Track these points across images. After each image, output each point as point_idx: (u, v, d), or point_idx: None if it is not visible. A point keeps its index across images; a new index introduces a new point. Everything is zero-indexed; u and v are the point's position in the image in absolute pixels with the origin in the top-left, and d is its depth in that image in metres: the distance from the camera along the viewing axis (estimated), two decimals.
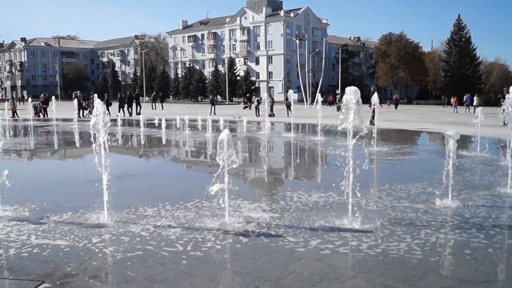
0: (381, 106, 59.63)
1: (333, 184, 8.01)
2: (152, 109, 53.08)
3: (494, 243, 6.21)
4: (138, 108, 41.56)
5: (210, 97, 51.73)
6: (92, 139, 7.27)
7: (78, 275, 5.24)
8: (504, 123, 26.40)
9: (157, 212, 7.80)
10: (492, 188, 9.71)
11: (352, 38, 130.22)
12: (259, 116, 38.90)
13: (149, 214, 7.72)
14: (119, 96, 42.32)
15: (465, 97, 53.29)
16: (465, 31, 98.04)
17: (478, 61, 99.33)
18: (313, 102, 63.80)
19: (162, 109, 53.76)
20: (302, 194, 9.14)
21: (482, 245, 6.11)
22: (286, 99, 41.37)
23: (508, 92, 10.54)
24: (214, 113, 41.63)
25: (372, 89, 29.95)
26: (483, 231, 6.72)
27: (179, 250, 6.00)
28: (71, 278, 5.18)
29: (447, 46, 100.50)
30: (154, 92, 60.67)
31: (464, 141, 16.65)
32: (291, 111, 31.18)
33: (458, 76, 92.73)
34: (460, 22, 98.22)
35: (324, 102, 62.43)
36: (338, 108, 50.57)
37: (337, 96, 56.16)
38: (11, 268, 5.57)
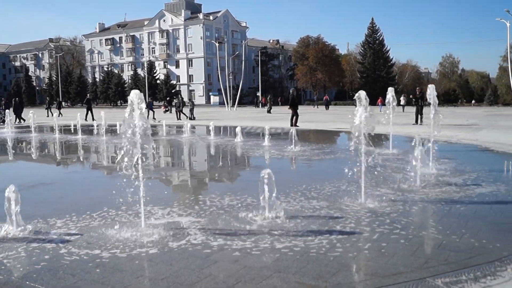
0: (316, 108, 61.34)
1: (250, 186, 8.05)
2: (47, 116, 46.98)
3: (403, 236, 6.47)
4: (90, 114, 38.98)
5: (148, 100, 45.21)
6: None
7: None
8: (417, 121, 27.93)
9: (68, 221, 7.50)
10: (401, 184, 10.13)
11: (271, 41, 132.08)
12: (180, 119, 38.30)
13: (59, 224, 7.39)
14: (13, 102, 39.58)
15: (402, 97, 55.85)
16: (379, 34, 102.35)
17: (391, 62, 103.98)
18: (234, 104, 64.24)
19: (60, 115, 44.21)
20: (218, 197, 9.10)
21: (392, 239, 6.35)
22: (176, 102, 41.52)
23: (420, 92, 11.12)
24: (154, 118, 38.52)
25: (291, 91, 30.56)
26: (394, 225, 6.98)
27: (91, 259, 5.79)
28: None
29: (362, 48, 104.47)
30: (48, 99, 55.18)
31: (378, 140, 17.28)
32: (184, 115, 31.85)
33: (373, 77, 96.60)
34: (374, 25, 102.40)
35: (256, 104, 62.97)
36: (269, 111, 51.13)
37: (270, 98, 56.65)
38: None
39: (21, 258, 5.95)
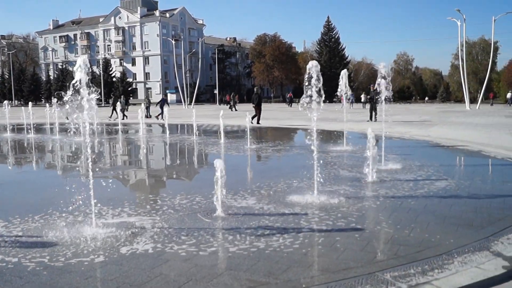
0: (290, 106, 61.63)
1: (203, 184, 7.97)
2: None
3: (354, 231, 6.53)
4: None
5: (121, 99, 41.58)
6: None
7: None
8: (371, 118, 28.34)
9: (17, 222, 7.27)
10: (354, 180, 10.27)
11: (228, 39, 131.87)
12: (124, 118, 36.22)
13: (5, 224, 7.16)
14: None
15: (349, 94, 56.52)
16: (334, 32, 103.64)
17: (347, 60, 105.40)
18: (192, 102, 63.79)
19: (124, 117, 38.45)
20: (170, 196, 8.99)
21: (342, 234, 6.40)
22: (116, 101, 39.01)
23: (374, 89, 11.32)
24: (124, 117, 36.15)
25: (255, 90, 30.71)
26: (346, 221, 7.05)
27: (39, 261, 5.60)
28: None
29: (318, 46, 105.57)
30: (113, 97, 47.50)
31: (334, 136, 17.47)
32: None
33: (329, 75, 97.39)
34: (330, 23, 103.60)
35: (220, 102, 62.78)
36: (231, 108, 51.01)
37: (233, 95, 56.54)
38: None
39: None
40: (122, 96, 46.76)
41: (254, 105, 28.26)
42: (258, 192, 9.17)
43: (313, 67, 8.15)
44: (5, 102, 29.60)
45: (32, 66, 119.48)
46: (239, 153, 15.49)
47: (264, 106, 32.56)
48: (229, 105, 54.41)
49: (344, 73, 16.06)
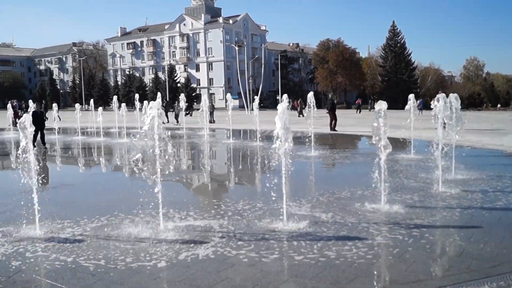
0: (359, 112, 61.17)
1: (266, 190, 7.96)
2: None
3: (425, 243, 6.35)
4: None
5: (176, 104, 40.71)
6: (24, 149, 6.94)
7: None
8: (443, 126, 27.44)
9: (91, 223, 7.56)
10: (424, 189, 9.98)
11: (291, 44, 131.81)
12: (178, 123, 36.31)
13: (81, 224, 7.46)
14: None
15: (418, 101, 55.14)
16: (400, 36, 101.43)
17: (413, 65, 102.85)
18: (254, 108, 64.13)
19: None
20: (237, 200, 9.08)
21: (412, 245, 6.23)
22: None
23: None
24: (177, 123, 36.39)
25: (330, 96, 30.46)
26: (415, 232, 6.86)
27: (110, 260, 5.81)
28: None
29: (383, 51, 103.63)
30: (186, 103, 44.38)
31: (401, 144, 17.07)
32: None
33: (395, 81, 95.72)
34: (395, 28, 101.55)
35: (294, 108, 62.80)
36: (300, 114, 50.78)
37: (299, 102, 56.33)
38: None
39: (41, 257, 6.01)
40: (179, 101, 46.70)
41: (328, 111, 27.96)
42: (322, 199, 9.09)
43: None
44: (77, 105, 30.73)
45: (101, 72, 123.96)
46: (303, 160, 15.41)
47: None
48: (297, 111, 54.16)
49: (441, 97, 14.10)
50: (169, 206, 8.08)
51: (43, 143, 20.07)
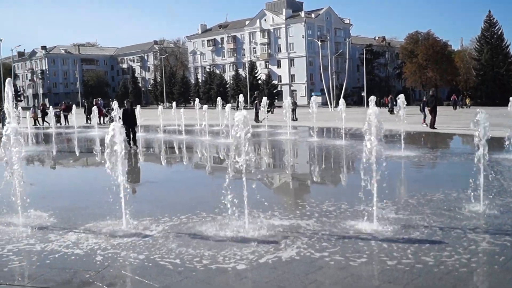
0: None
1: (356, 190, 7.86)
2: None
3: None
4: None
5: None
6: (110, 146, 7.29)
7: (95, 283, 5.31)
8: None
9: (176, 220, 7.81)
10: None
11: (376, 38, 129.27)
12: (258, 121, 36.77)
13: (167, 222, 7.72)
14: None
15: None
16: (497, 27, 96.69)
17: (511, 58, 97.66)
18: (337, 105, 63.53)
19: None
20: (324, 201, 9.04)
21: None
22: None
23: None
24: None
25: (431, 92, 29.64)
26: None
27: (196, 259, 5.97)
28: (89, 286, 5.26)
29: (478, 43, 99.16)
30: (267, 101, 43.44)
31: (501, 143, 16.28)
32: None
33: (491, 75, 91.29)
34: (491, 18, 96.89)
35: (378, 104, 61.92)
36: (391, 111, 49.87)
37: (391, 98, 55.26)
38: (30, 275, 5.68)
39: (127, 253, 6.29)
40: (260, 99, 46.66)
41: (429, 108, 27.17)
42: (413, 202, 8.85)
43: None
44: (160, 107, 31.41)
45: (182, 69, 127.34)
46: (393, 160, 15.06)
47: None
48: (388, 108, 53.06)
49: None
50: (253, 205, 8.17)
51: (134, 142, 20.09)
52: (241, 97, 36.38)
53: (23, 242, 6.86)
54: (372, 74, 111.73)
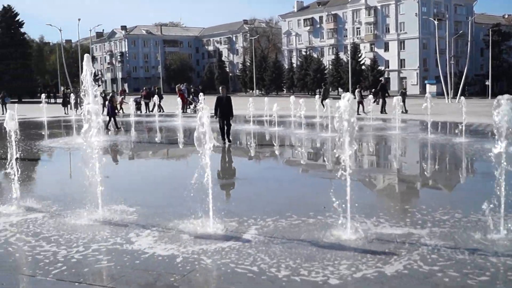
0: None
1: (474, 197, 7.67)
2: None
3: None
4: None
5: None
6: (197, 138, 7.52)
7: None
8: None
9: (269, 224, 8.00)
10: None
11: (506, 16, 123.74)
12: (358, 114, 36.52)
13: (257, 225, 7.93)
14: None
15: None
16: None
17: None
18: (456, 95, 61.49)
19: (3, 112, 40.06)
20: (438, 208, 8.89)
21: None
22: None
23: None
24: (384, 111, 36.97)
25: None
26: None
27: (289, 266, 6.09)
28: None
29: None
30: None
31: None
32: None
33: None
34: None
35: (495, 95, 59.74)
36: None
37: None
38: (111, 276, 6.03)
39: (216, 258, 6.50)
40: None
41: None
42: None
43: None
44: (250, 99, 31.43)
45: (274, 52, 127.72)
46: None
47: None
48: None
49: None
50: (356, 209, 8.17)
51: (228, 136, 19.04)
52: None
53: (109, 241, 7.26)
54: (499, 59, 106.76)
